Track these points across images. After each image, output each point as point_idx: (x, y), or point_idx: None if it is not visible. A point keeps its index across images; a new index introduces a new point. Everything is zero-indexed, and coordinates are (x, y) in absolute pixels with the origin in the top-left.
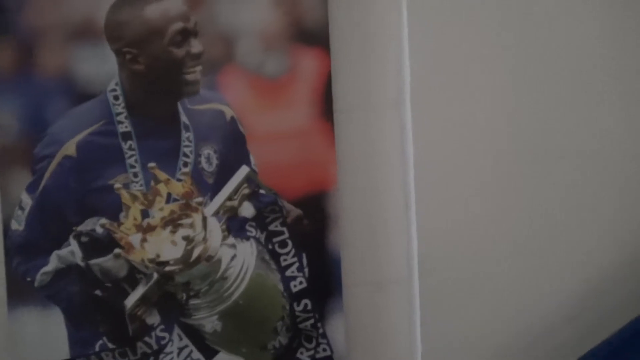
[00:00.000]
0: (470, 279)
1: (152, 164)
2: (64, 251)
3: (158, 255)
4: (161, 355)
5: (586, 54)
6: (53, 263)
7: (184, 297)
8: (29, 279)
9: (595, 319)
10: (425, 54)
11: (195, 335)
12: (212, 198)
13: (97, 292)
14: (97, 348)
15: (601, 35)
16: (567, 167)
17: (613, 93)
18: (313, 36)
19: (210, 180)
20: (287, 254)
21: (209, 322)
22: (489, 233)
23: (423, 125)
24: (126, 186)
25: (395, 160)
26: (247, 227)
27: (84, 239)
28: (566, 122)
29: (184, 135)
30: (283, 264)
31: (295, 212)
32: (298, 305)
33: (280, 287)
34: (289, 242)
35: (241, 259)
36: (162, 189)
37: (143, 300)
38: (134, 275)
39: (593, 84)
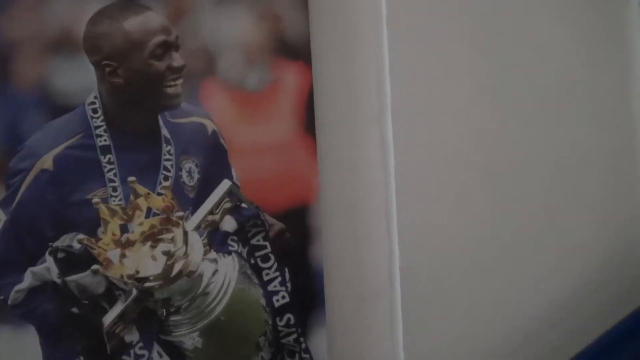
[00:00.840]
0: (452, 290)
1: (131, 178)
2: (39, 267)
3: (137, 271)
4: None
5: (562, 71)
6: (27, 280)
7: (164, 314)
8: (1, 297)
9: (577, 325)
10: (406, 68)
11: (175, 352)
12: (193, 212)
13: (74, 309)
14: None
15: (577, 53)
16: (547, 177)
17: (588, 101)
18: (295, 50)
19: (192, 194)
20: (270, 268)
21: (190, 338)
22: (470, 244)
23: (404, 138)
24: (105, 201)
25: (377, 173)
26: (229, 242)
27: (60, 255)
28: (544, 133)
29: (165, 148)
30: (265, 278)
31: (278, 225)
32: (281, 320)
33: (263, 301)
34: (272, 257)
35: (223, 274)
36: (142, 203)
37: (121, 317)
38: (112, 292)
39: (571, 96)
